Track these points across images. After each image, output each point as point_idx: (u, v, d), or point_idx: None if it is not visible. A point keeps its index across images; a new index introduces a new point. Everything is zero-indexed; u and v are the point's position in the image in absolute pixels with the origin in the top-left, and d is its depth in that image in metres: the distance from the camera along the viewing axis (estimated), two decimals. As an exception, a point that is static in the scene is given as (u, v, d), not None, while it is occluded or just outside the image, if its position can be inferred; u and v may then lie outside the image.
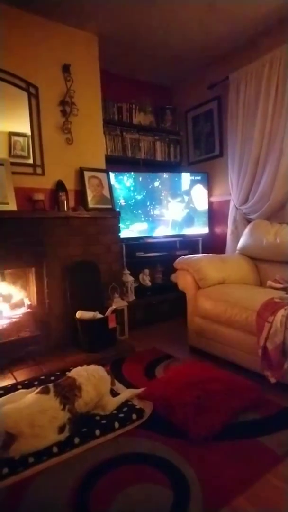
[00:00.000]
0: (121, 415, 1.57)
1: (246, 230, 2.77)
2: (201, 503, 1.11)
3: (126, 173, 3.12)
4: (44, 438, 1.36)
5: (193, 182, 3.39)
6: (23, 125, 2.49)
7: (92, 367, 1.69)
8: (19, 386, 1.84)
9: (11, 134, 2.46)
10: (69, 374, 1.65)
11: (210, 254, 2.67)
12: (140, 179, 3.19)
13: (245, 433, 1.46)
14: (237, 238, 2.98)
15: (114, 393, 1.72)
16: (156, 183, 3.25)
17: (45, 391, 1.48)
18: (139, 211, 3.20)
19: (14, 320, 2.39)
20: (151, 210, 3.25)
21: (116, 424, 1.51)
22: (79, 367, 1.69)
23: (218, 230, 3.47)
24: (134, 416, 1.57)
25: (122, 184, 3.11)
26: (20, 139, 2.49)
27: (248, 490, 1.16)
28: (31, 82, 2.48)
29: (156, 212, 3.27)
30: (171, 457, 1.32)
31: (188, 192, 3.37)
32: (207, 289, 2.34)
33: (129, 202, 3.15)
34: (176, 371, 1.97)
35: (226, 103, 3.15)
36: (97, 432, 1.46)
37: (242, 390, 1.68)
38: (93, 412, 1.58)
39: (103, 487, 1.19)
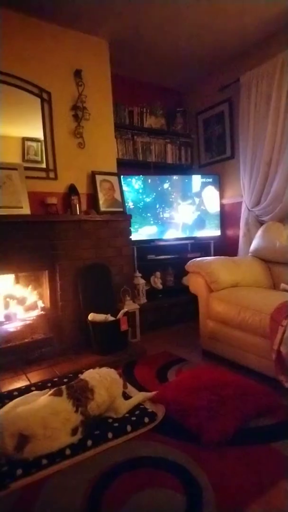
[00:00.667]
0: (134, 418, 1.57)
1: (259, 233, 2.74)
2: (215, 509, 1.10)
3: (135, 176, 3.13)
4: (57, 440, 1.37)
5: (205, 185, 3.38)
6: (36, 130, 2.53)
7: (104, 369, 1.70)
8: (33, 388, 1.87)
9: (24, 139, 2.51)
10: (81, 376, 1.66)
11: (222, 256, 2.65)
12: (150, 181, 3.20)
13: (258, 438, 1.44)
14: (249, 241, 2.95)
15: (126, 396, 1.73)
16: (167, 186, 3.26)
17: (58, 393, 1.49)
18: (149, 214, 3.20)
19: (28, 322, 2.42)
20: (161, 213, 3.25)
21: (129, 427, 1.51)
22: (91, 370, 1.70)
23: (230, 232, 3.44)
24: (146, 420, 1.56)
25: (132, 187, 3.12)
26: (34, 144, 2.53)
27: (261, 497, 1.14)
28: (44, 88, 2.53)
29: (167, 215, 3.27)
30: (184, 462, 1.31)
31: (199, 195, 3.36)
32: (219, 292, 2.32)
33: (139, 205, 3.15)
34: (189, 375, 1.96)
35: (237, 105, 3.14)
36: (110, 435, 1.46)
37: (256, 395, 1.66)
38: (105, 415, 1.58)
39: (115, 490, 1.19)
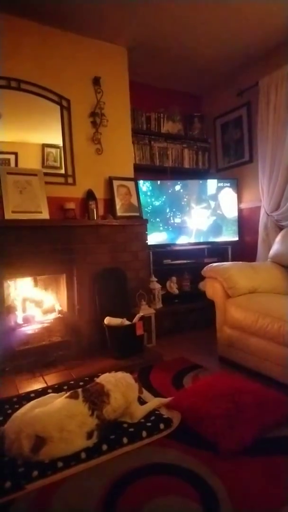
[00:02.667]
0: (149, 424, 1.56)
1: (278, 238, 2.68)
2: (231, 521, 1.07)
3: (152, 181, 3.13)
4: (73, 443, 1.37)
5: (222, 189, 3.35)
6: (55, 137, 2.59)
7: (120, 374, 1.69)
8: (49, 390, 1.89)
9: (44, 146, 2.57)
10: (97, 380, 1.66)
11: (240, 262, 2.61)
12: (166, 186, 3.19)
13: (277, 449, 1.40)
14: (268, 246, 2.89)
15: (141, 401, 1.72)
16: (183, 191, 3.25)
17: (74, 396, 1.50)
18: (164, 219, 3.19)
19: (45, 325, 2.46)
20: (177, 218, 3.23)
21: (144, 433, 1.50)
22: (107, 374, 1.70)
23: (248, 237, 3.39)
24: (161, 426, 1.55)
25: (148, 192, 3.12)
26: (53, 150, 2.59)
27: (281, 510, 1.10)
28: (63, 95, 2.59)
29: (183, 220, 3.25)
30: (200, 470, 1.29)
31: (216, 199, 3.33)
32: (237, 298, 2.28)
33: (155, 209, 3.14)
34: (205, 382, 1.93)
35: (255, 109, 3.11)
36: (125, 440, 1.45)
37: (274, 404, 1.61)
38: (120, 420, 1.57)
39: (130, 496, 1.18)
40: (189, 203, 3.26)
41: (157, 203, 3.18)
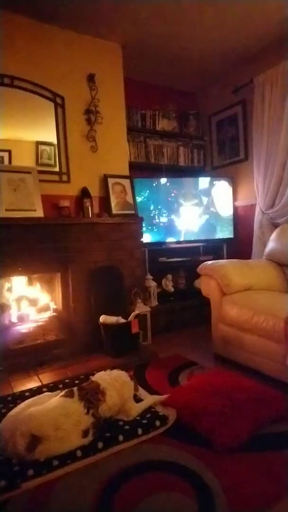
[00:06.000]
0: (145, 421, 1.56)
1: (273, 235, 2.69)
2: (227, 516, 1.07)
3: (145, 179, 3.12)
4: (68, 442, 1.37)
5: (217, 187, 3.35)
6: (49, 134, 2.57)
7: (116, 372, 1.69)
8: (44, 389, 1.88)
9: (38, 143, 2.55)
10: (92, 378, 1.66)
11: (235, 259, 2.61)
12: (161, 184, 3.18)
13: (272, 445, 1.41)
14: (263, 244, 2.90)
15: (137, 399, 1.71)
16: (178, 189, 3.24)
17: (70, 395, 1.50)
18: (159, 218, 3.18)
19: (40, 323, 2.45)
20: (165, 217, 3.21)
21: (140, 430, 1.50)
22: (102, 372, 1.70)
23: (243, 235, 3.40)
24: (157, 423, 1.55)
25: (142, 190, 3.10)
26: (47, 148, 2.57)
27: (275, 505, 1.11)
28: (58, 92, 2.57)
29: (173, 218, 3.24)
30: (196, 467, 1.29)
31: (211, 197, 3.34)
32: (232, 295, 2.29)
33: (149, 208, 3.12)
34: (201, 379, 1.93)
35: (251, 107, 3.11)
36: (121, 437, 1.45)
37: (269, 400, 1.62)
38: (116, 418, 1.57)
39: (126, 493, 1.18)
40: (181, 201, 3.23)
41: (158, 202, 3.15)
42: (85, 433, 1.41)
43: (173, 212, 3.22)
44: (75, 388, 1.55)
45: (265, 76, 2.89)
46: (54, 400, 1.49)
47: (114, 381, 1.59)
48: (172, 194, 3.19)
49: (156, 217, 3.16)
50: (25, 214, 2.28)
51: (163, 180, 3.19)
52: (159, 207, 3.17)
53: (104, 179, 2.77)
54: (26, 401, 1.51)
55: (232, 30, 2.69)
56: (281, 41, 2.81)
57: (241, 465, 1.30)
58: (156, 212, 3.16)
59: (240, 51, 3.01)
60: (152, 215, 3.15)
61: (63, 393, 1.53)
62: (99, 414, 1.47)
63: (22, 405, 1.47)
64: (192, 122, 3.65)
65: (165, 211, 3.19)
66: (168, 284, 3.33)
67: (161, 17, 2.50)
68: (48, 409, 1.42)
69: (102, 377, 1.62)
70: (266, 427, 1.50)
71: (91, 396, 1.49)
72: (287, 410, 1.59)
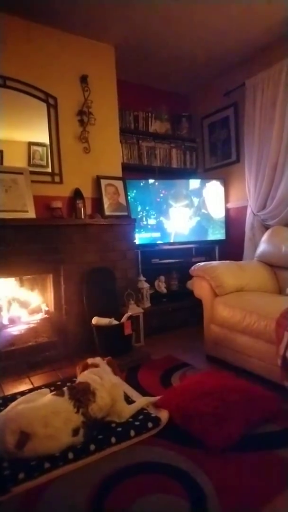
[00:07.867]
0: (137, 423, 1.55)
1: (264, 237, 2.72)
2: (219, 517, 1.08)
3: (137, 180, 3.12)
4: (58, 440, 1.36)
5: (209, 189, 3.37)
6: (42, 135, 2.56)
7: (97, 369, 1.68)
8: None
9: (30, 144, 2.53)
10: (79, 378, 1.65)
11: (227, 261, 2.63)
12: (152, 186, 3.19)
13: (264, 445, 1.42)
14: (254, 245, 2.93)
15: (130, 401, 1.71)
16: (170, 191, 3.25)
17: (60, 394, 1.49)
18: (151, 219, 3.19)
19: (31, 325, 2.43)
20: (163, 219, 3.22)
21: (132, 432, 1.49)
22: (85, 372, 1.69)
23: (235, 236, 3.42)
24: (150, 425, 1.55)
25: (135, 191, 3.11)
26: (39, 148, 2.56)
27: (267, 504, 1.12)
28: (50, 93, 2.56)
29: (167, 220, 3.24)
30: (188, 468, 1.29)
31: (203, 199, 3.35)
32: (224, 296, 2.30)
33: (141, 210, 3.12)
34: (193, 380, 1.94)
35: (242, 109, 3.14)
36: (113, 439, 1.45)
37: (261, 400, 1.64)
38: (108, 419, 1.57)
39: (118, 495, 1.18)
40: (171, 202, 3.24)
41: (151, 203, 3.15)
42: (75, 432, 1.40)
43: (163, 213, 3.23)
44: (65, 388, 1.54)
45: (256, 79, 2.92)
46: (44, 398, 1.49)
47: (104, 382, 1.58)
48: (169, 199, 3.21)
49: (144, 218, 3.17)
50: (17, 215, 2.26)
51: (163, 186, 3.19)
52: (147, 208, 3.18)
53: (97, 180, 2.77)
54: (18, 400, 1.50)
55: (224, 33, 2.72)
56: (272, 44, 2.86)
57: (233, 465, 1.31)
58: (144, 214, 3.17)
59: (232, 54, 3.04)
60: (140, 216, 3.15)
61: (54, 392, 1.52)
62: (90, 413, 1.46)
63: (13, 403, 1.46)
64: (185, 124, 3.67)
65: (154, 213, 3.20)
66: (161, 285, 3.34)
67: (154, 19, 2.52)
68: (38, 406, 1.41)
69: (91, 377, 1.61)
70: (258, 427, 1.51)
71: (82, 396, 1.49)
72: (278, 410, 1.61)
